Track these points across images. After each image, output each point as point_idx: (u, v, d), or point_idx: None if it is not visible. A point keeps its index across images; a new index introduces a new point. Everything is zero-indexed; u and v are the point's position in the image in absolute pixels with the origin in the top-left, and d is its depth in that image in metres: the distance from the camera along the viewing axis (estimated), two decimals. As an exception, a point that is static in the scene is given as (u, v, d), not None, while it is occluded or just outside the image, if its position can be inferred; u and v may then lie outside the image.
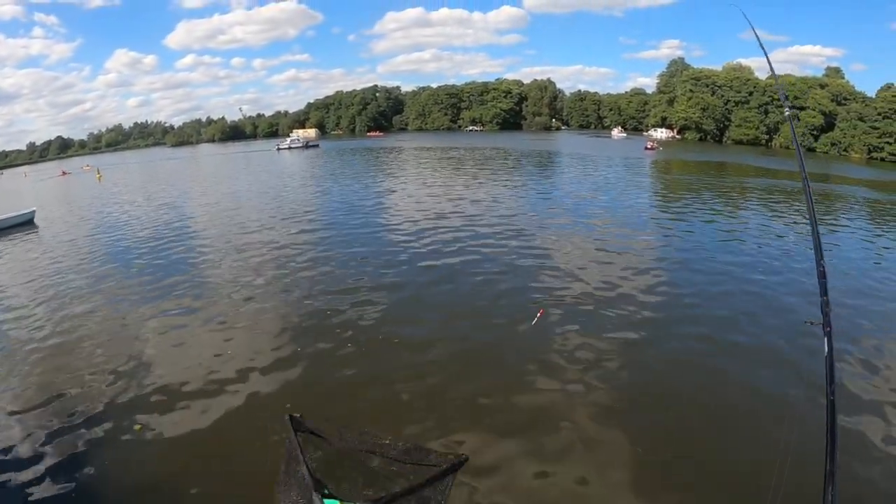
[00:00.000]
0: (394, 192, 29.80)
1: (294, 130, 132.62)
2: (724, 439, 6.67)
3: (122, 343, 9.77)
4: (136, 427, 6.92)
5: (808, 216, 4.04)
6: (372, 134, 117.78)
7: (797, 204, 25.59)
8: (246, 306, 11.41)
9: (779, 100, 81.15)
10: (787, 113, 5.21)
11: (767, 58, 5.33)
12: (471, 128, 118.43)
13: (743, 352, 9.11)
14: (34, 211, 26.75)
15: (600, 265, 14.01)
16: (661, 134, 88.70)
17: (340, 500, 1.81)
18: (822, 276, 3.41)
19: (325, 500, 1.84)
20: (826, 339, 3.12)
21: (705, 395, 7.78)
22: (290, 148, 74.88)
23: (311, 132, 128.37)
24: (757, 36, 5.43)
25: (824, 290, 3.34)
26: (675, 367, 8.58)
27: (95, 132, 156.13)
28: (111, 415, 7.32)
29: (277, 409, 6.75)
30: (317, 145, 78.71)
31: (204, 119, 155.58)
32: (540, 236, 17.25)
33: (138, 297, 12.38)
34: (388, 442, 2.65)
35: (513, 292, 11.77)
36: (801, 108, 79.23)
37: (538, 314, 9.93)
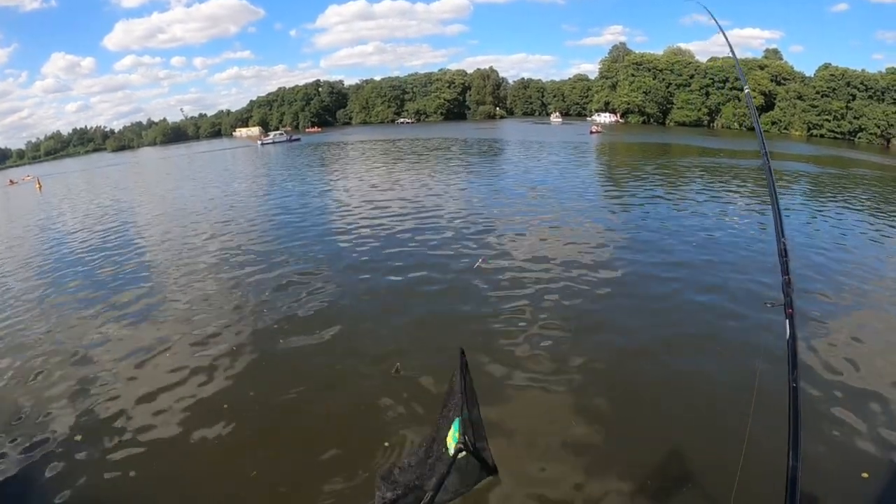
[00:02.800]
0: (339, 183, 28.87)
1: (237, 129, 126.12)
2: (681, 429, 6.23)
3: (71, 362, 8.86)
4: (77, 437, 6.55)
5: (768, 193, 3.74)
6: (311, 130, 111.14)
7: (745, 182, 25.49)
8: (202, 318, 10.33)
9: (720, 82, 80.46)
10: (746, 91, 4.98)
11: (725, 35, 5.48)
12: (401, 120, 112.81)
13: (699, 336, 8.59)
14: None
15: (553, 252, 13.23)
16: (605, 118, 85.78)
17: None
18: (784, 254, 3.16)
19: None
20: (788, 321, 2.73)
21: (663, 380, 7.31)
22: (273, 142, 74.22)
23: (254, 130, 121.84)
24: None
25: (786, 270, 3.04)
26: (631, 354, 8.02)
27: (34, 140, 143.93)
28: (60, 435, 6.70)
29: (237, 425, 6.56)
30: (298, 139, 77.73)
31: (145, 122, 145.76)
32: (494, 228, 15.95)
33: (84, 312, 11.31)
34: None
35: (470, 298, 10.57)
36: (742, 90, 76.43)
37: (479, 260, 10.49)
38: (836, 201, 21.32)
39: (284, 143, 74.24)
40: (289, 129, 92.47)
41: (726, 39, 5.48)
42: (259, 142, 76.14)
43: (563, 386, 7.15)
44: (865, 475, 5.38)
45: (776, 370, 3.26)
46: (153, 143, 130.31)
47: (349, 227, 17.14)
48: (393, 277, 11.80)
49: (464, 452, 2.02)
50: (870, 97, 67.36)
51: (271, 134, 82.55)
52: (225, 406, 6.97)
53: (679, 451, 5.82)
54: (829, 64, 72.98)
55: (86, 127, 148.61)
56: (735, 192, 22.73)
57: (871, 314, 9.59)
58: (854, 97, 68.40)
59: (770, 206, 3.63)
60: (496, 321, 9.15)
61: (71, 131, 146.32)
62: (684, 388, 7.14)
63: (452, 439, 2.06)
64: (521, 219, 17.00)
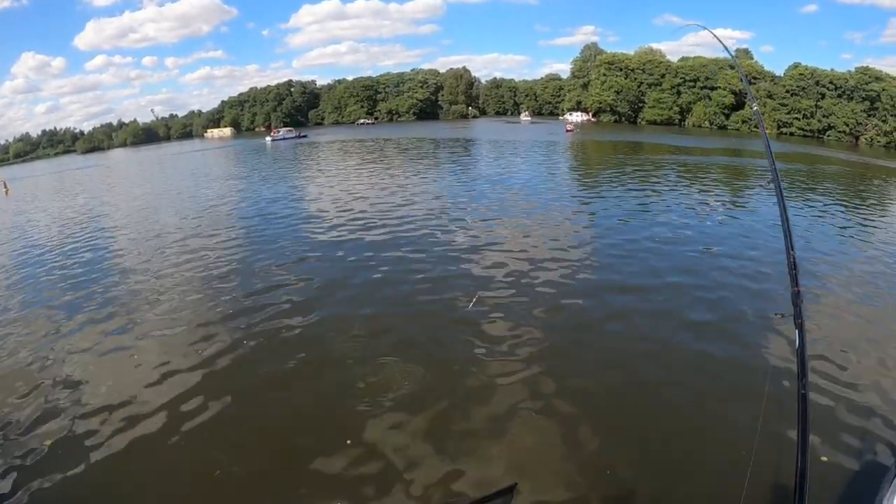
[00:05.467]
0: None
1: (209, 130, 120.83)
2: (685, 440, 6.00)
3: (42, 369, 8.52)
4: (47, 442, 6.41)
5: (778, 207, 3.90)
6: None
7: (719, 180, 25.49)
8: (179, 322, 9.84)
9: (691, 81, 78.34)
10: (755, 108, 5.56)
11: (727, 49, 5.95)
12: (361, 121, 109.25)
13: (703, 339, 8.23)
14: None
15: (551, 260, 12.09)
16: (577, 117, 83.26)
17: None
18: (793, 266, 3.11)
19: None
20: (798, 331, 2.79)
21: (663, 391, 6.92)
22: (284, 138, 76.68)
23: (226, 131, 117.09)
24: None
25: (795, 281, 3.03)
26: (628, 361, 7.64)
27: (2, 143, 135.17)
28: (30, 441, 6.55)
29: (201, 428, 6.49)
30: (305, 136, 79.72)
31: (115, 122, 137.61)
32: (480, 227, 15.33)
33: (56, 319, 10.63)
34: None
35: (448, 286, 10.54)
36: (713, 89, 76.95)
37: (474, 298, 9.54)
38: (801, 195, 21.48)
39: (293, 139, 76.07)
40: (292, 130, 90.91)
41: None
42: (269, 138, 77.23)
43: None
44: (824, 459, 5.43)
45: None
46: (124, 145, 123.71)
47: (331, 227, 16.40)
48: (371, 275, 11.53)
49: None
50: (838, 96, 66.26)
51: (281, 130, 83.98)
52: (189, 409, 6.86)
53: (689, 457, 5.69)
54: (799, 63, 71.56)
55: (55, 128, 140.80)
56: (712, 189, 22.42)
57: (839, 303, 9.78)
58: (823, 96, 67.19)
59: (779, 217, 3.65)
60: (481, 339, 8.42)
61: (40, 133, 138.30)
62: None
63: None
64: (500, 220, 16.12)
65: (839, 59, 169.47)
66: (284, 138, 77.11)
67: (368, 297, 10.19)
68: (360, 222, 16.59)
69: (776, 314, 3.14)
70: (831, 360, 7.41)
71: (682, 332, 8.41)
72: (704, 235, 14.41)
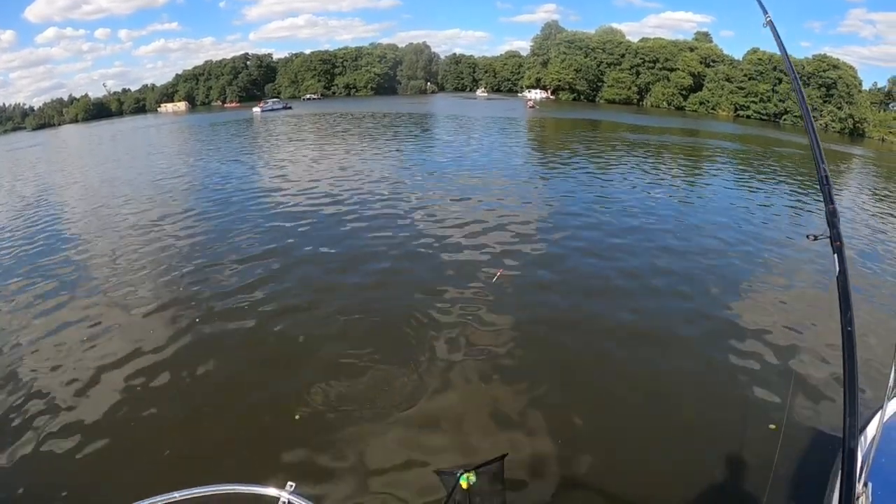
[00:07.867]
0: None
1: (162, 105, 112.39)
2: (705, 405, 5.95)
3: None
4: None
5: (804, 120, 3.21)
6: (229, 105, 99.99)
7: (681, 158, 25.86)
8: (134, 303, 9.26)
9: (650, 62, 75.03)
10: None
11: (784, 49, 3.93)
12: (308, 96, 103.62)
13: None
14: None
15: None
16: (536, 95, 79.58)
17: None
18: (825, 181, 2.64)
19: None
20: (836, 255, 2.25)
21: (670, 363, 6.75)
22: (272, 109, 75.74)
23: (180, 105, 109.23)
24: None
25: (829, 198, 2.50)
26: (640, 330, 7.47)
27: None
28: None
29: (150, 407, 6.10)
30: (290, 107, 78.33)
31: (66, 98, 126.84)
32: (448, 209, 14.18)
33: (8, 302, 10.00)
34: None
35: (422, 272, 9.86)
36: (672, 70, 74.15)
37: (498, 273, 9.10)
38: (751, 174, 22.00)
39: (280, 110, 75.25)
40: (280, 101, 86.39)
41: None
42: (258, 108, 74.40)
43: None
44: (773, 427, 5.37)
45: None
46: (75, 121, 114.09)
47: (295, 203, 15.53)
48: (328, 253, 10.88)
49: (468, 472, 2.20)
50: (795, 80, 63.88)
51: (269, 102, 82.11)
52: (139, 389, 6.57)
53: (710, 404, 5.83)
54: (758, 49, 69.14)
55: (4, 105, 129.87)
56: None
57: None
58: (780, 81, 64.99)
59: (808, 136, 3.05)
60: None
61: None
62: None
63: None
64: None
65: (798, 47, 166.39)
66: (273, 109, 75.50)
67: (334, 276, 9.78)
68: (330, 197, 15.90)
69: (808, 235, 2.61)
70: (796, 330, 7.55)
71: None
72: (672, 209, 14.62)
